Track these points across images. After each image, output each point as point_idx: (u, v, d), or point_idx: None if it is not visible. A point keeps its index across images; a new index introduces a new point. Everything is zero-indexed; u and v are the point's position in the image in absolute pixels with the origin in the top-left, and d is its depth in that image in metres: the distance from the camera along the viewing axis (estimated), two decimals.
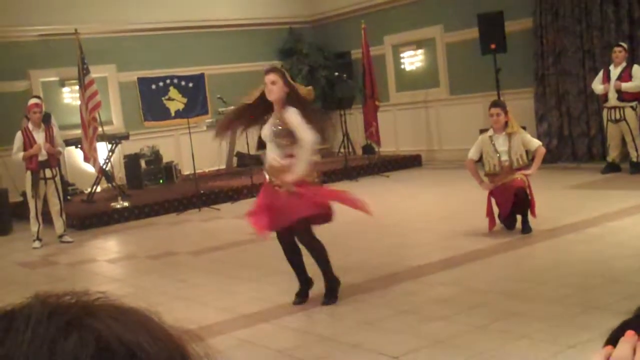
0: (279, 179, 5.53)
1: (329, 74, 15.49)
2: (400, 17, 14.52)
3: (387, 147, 14.25)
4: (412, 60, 14.66)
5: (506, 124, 7.37)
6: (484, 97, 12.11)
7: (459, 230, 7.84)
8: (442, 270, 6.43)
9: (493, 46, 11.93)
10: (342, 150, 14.25)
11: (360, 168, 13.35)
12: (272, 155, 5.61)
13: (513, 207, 7.35)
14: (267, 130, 5.57)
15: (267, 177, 5.74)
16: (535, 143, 7.48)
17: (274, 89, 5.47)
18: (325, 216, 5.72)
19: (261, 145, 5.86)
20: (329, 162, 14.22)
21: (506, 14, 12.23)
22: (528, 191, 7.31)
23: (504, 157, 7.35)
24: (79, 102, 12.05)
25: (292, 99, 5.54)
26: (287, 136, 5.47)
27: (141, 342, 0.62)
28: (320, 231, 8.85)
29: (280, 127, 5.48)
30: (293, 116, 5.42)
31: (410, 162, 14.06)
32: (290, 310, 5.69)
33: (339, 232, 8.73)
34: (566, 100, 11.94)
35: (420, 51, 14.50)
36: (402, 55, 14.80)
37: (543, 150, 7.44)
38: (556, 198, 8.03)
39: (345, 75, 14.15)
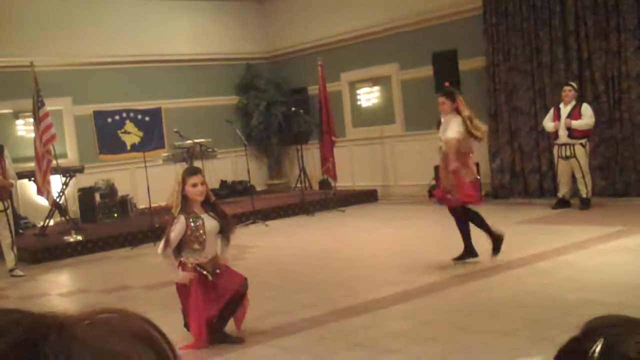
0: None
1: (285, 109, 15.63)
2: (357, 54, 14.74)
3: (344, 182, 14.36)
4: (368, 97, 14.86)
5: (457, 111, 7.55)
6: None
7: (414, 264, 7.92)
8: (397, 303, 6.48)
9: (447, 84, 12.17)
10: (298, 185, 14.31)
11: (316, 203, 13.41)
12: None
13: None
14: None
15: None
16: (448, 133, 7.57)
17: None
18: None
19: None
20: (286, 197, 14.28)
21: (459, 53, 12.52)
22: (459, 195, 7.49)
23: (440, 143, 7.62)
24: (33, 135, 11.95)
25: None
26: None
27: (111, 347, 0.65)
28: (277, 264, 8.88)
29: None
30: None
31: (366, 197, 14.18)
32: (242, 345, 5.67)
33: (295, 265, 8.77)
34: (518, 137, 12.20)
35: (376, 88, 14.72)
36: (358, 91, 15.01)
37: (451, 142, 7.54)
38: (508, 233, 8.15)
39: (302, 111, 14.27)
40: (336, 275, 7.92)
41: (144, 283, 8.44)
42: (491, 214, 8.58)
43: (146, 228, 11.59)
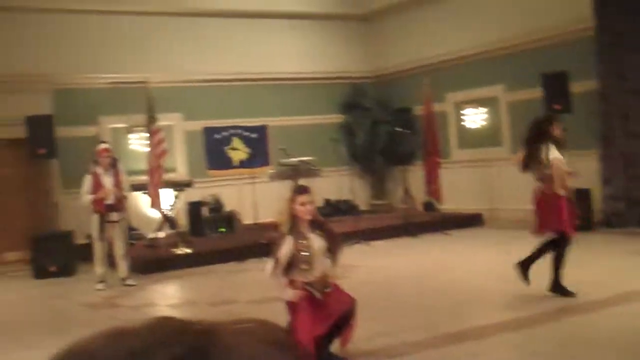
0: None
1: (390, 129, 15.59)
2: (463, 75, 14.60)
3: (448, 204, 14.17)
4: (474, 118, 14.67)
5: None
6: None
7: (521, 291, 7.71)
8: (504, 332, 6.34)
9: (558, 107, 11.86)
10: (402, 205, 14.24)
11: (420, 224, 13.28)
12: None
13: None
14: None
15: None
16: (552, 154, 7.37)
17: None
18: None
19: None
20: (389, 218, 14.22)
21: (570, 74, 12.19)
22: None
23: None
24: (145, 149, 12.40)
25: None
26: None
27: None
28: (380, 285, 8.83)
29: None
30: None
31: (471, 220, 13.94)
32: None
33: (399, 287, 8.71)
34: (634, 162, 11.74)
35: (482, 109, 14.51)
36: (464, 112, 14.83)
37: (556, 163, 7.33)
38: (619, 262, 7.85)
39: (406, 131, 14.20)
40: (440, 299, 7.82)
41: (250, 298, 8.57)
42: (602, 243, 8.28)
43: (251, 243, 11.78)
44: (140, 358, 0.65)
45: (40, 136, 12.16)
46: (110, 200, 9.80)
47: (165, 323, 0.70)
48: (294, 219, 5.47)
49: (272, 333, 0.72)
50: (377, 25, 16.80)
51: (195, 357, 0.66)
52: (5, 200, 13.38)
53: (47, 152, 12.25)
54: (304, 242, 5.48)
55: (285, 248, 5.42)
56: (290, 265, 5.50)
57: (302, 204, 5.45)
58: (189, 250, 11.51)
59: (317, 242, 5.51)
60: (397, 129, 14.66)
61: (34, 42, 13.41)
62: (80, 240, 12.06)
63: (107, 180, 9.86)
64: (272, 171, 13.87)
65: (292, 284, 5.53)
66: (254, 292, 8.93)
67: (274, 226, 12.21)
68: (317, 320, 5.50)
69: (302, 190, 5.67)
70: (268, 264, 5.53)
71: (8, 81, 13.03)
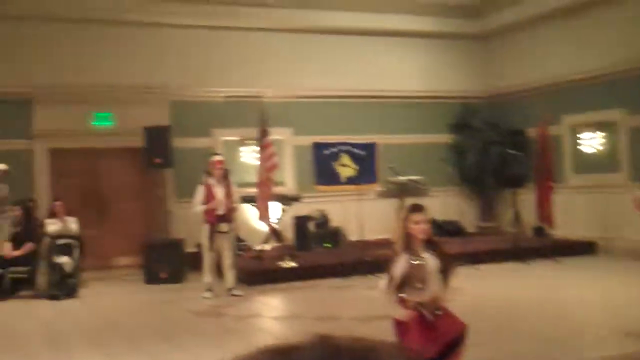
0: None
1: (502, 150, 15.26)
2: (580, 97, 14.14)
3: (560, 230, 13.71)
4: (591, 142, 14.16)
5: None
6: None
7: (636, 325, 7.36)
8: None
9: None
10: (511, 229, 13.89)
11: (530, 250, 12.89)
12: None
13: None
14: None
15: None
16: None
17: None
18: None
19: None
20: (497, 241, 13.90)
21: None
22: None
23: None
24: (256, 162, 12.61)
25: None
26: None
27: None
28: (486, 310, 8.61)
29: None
30: None
31: (585, 248, 13.42)
32: None
33: (507, 313, 8.47)
34: None
35: (600, 133, 14.00)
36: (580, 136, 14.35)
37: None
38: None
39: (519, 153, 13.87)
40: (551, 329, 7.55)
41: (354, 315, 8.54)
42: None
43: (356, 260, 11.76)
44: None
45: (157, 146, 12.58)
46: (221, 211, 10.00)
47: (326, 342, 0.69)
48: (408, 237, 5.41)
49: (416, 356, 0.70)
50: (492, 45, 16.53)
51: None
52: (121, 206, 13.92)
53: (163, 162, 12.65)
54: (418, 261, 5.40)
55: (400, 266, 5.36)
56: (403, 284, 5.43)
57: (417, 223, 5.37)
58: (294, 264, 11.61)
59: (431, 262, 5.43)
60: (510, 150, 14.33)
61: (154, 55, 13.93)
62: (190, 249, 12.37)
63: (219, 192, 10.08)
64: (379, 189, 13.84)
65: (403, 303, 5.46)
66: (358, 310, 8.90)
67: (383, 244, 12.16)
68: (427, 342, 5.40)
69: (417, 208, 5.59)
70: (381, 280, 5.48)
71: (129, 92, 13.58)
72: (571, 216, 14.14)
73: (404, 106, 15.79)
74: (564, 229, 13.83)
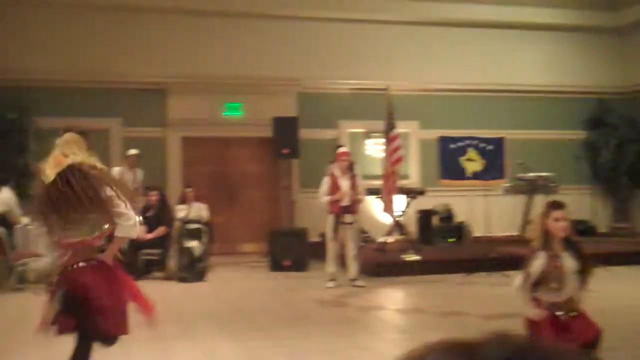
0: None
1: (638, 149, 14.55)
2: None
3: None
4: None
5: None
6: None
7: None
8: None
9: None
10: None
11: None
12: None
13: None
14: None
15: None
16: None
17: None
18: None
19: None
20: (631, 243, 13.29)
21: None
22: None
23: None
24: (381, 154, 12.60)
25: None
26: None
27: None
28: (616, 314, 8.24)
29: None
30: None
31: None
32: None
33: (639, 321, 8.08)
34: None
35: None
36: None
37: None
38: None
39: None
40: None
41: (480, 312, 8.36)
42: None
43: (481, 257, 11.53)
44: None
45: (285, 136, 12.79)
46: (345, 203, 10.04)
47: (507, 340, 0.66)
48: (547, 234, 5.23)
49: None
50: (630, 38, 15.76)
51: None
52: (249, 194, 14.27)
53: (290, 152, 12.85)
54: (556, 260, 5.22)
55: (537, 264, 5.20)
56: (539, 283, 5.26)
57: (557, 220, 5.19)
58: (417, 258, 11.51)
59: (569, 261, 5.23)
60: None
61: (284, 47, 14.16)
62: (314, 238, 12.51)
63: (344, 183, 10.12)
64: (507, 184, 13.51)
65: (537, 302, 5.29)
66: (482, 307, 8.72)
67: (509, 240, 11.88)
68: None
69: (557, 205, 5.39)
70: (517, 277, 5.33)
71: (259, 84, 13.87)
72: None
73: (535, 101, 15.34)
74: None
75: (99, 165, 4.56)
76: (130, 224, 4.58)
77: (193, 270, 10.96)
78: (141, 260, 11.08)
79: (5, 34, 12.97)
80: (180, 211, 11.60)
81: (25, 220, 9.90)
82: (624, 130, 15.12)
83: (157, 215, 11.35)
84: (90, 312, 4.48)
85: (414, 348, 0.69)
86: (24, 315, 7.45)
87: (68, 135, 4.71)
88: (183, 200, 11.77)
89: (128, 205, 4.56)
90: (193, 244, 11.17)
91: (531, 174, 12.53)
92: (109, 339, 4.66)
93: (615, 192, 15.40)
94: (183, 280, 10.74)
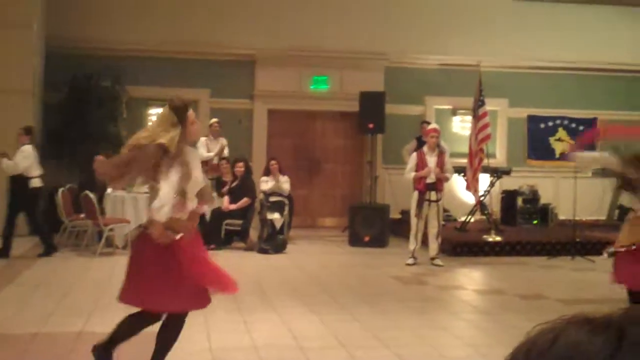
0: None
1: None
2: None
3: None
4: None
5: None
6: None
7: None
8: None
9: None
10: None
11: None
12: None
13: None
14: None
15: None
16: None
17: None
18: None
19: None
20: None
21: None
22: None
23: None
24: (467, 132, 12.41)
25: None
26: None
27: None
28: None
29: None
30: None
31: None
32: None
33: None
34: None
35: None
36: None
37: None
38: None
39: None
40: None
41: (560, 296, 8.20)
42: None
43: (566, 240, 11.27)
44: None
45: (371, 111, 12.75)
46: (431, 180, 9.96)
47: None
48: None
49: None
50: None
51: None
52: (331, 168, 14.34)
53: (375, 127, 12.80)
54: None
55: None
56: None
57: None
58: (499, 239, 11.34)
59: None
60: None
61: (372, 21, 14.06)
62: (394, 215, 12.48)
63: (431, 160, 10.02)
64: (597, 167, 13.11)
65: None
66: (563, 291, 8.55)
67: (596, 225, 11.54)
68: None
69: None
70: None
71: (347, 57, 13.83)
72: None
73: (630, 80, 14.79)
74: None
75: (173, 145, 4.46)
76: (157, 206, 4.41)
77: (274, 242, 11.11)
78: (224, 230, 11.30)
79: (100, 4, 13.33)
80: (264, 183, 11.75)
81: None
82: None
83: (241, 186, 11.53)
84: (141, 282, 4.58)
85: (543, 322, 0.68)
86: (111, 278, 7.73)
87: (163, 110, 4.73)
88: (267, 172, 11.91)
89: (171, 189, 4.43)
90: (275, 216, 11.31)
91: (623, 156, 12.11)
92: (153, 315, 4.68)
93: None
94: (264, 251, 10.91)
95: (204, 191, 4.89)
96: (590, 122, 14.69)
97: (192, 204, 4.63)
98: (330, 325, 6.59)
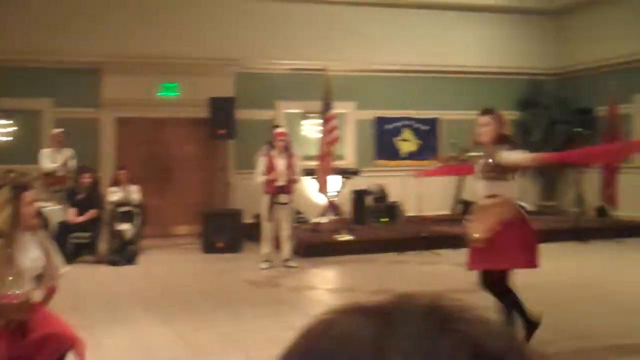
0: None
1: (568, 129, 14.90)
2: None
3: (624, 211, 13.38)
4: None
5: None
6: None
7: None
8: None
9: None
10: (572, 209, 13.62)
11: (591, 230, 12.65)
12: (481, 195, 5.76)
13: None
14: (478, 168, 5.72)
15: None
16: None
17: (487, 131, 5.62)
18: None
19: None
20: (557, 220, 13.66)
21: None
22: None
23: None
24: (317, 135, 12.65)
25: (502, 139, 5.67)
26: (495, 170, 5.51)
27: (508, 354, 0.62)
28: (540, 289, 8.51)
29: (490, 161, 5.57)
30: (504, 153, 5.46)
31: None
32: None
33: (560, 296, 8.34)
34: None
35: None
36: None
37: None
38: None
39: (586, 131, 13.54)
40: (608, 309, 7.40)
41: (410, 289, 8.48)
42: None
43: (413, 236, 11.73)
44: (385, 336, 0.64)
45: (221, 117, 12.72)
46: (281, 183, 10.07)
47: (409, 301, 0.69)
48: None
49: (509, 334, 0.69)
50: (564, 21, 16.07)
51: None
52: (183, 176, 14.17)
53: (226, 133, 12.79)
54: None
55: None
56: None
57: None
58: (350, 237, 11.63)
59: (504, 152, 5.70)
60: (576, 129, 13.99)
61: (221, 27, 14.01)
62: (248, 220, 12.51)
63: (280, 163, 10.13)
64: (439, 165, 13.72)
65: None
66: (412, 284, 8.88)
67: (440, 220, 12.06)
68: None
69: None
70: None
71: (195, 64, 13.72)
72: (636, 197, 13.76)
73: (469, 82, 15.54)
74: (627, 209, 13.50)
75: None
76: None
77: (124, 253, 10.86)
78: (70, 244, 10.91)
79: None
80: (113, 193, 11.45)
81: None
82: (555, 111, 15.46)
83: (88, 197, 11.19)
84: None
85: (320, 313, 0.68)
86: None
87: None
88: (115, 182, 11.62)
89: None
90: (124, 226, 11.06)
91: (464, 154, 12.73)
92: None
93: (543, 172, 15.75)
94: (113, 263, 10.63)
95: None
96: (433, 122, 15.34)
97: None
98: (184, 334, 6.53)
